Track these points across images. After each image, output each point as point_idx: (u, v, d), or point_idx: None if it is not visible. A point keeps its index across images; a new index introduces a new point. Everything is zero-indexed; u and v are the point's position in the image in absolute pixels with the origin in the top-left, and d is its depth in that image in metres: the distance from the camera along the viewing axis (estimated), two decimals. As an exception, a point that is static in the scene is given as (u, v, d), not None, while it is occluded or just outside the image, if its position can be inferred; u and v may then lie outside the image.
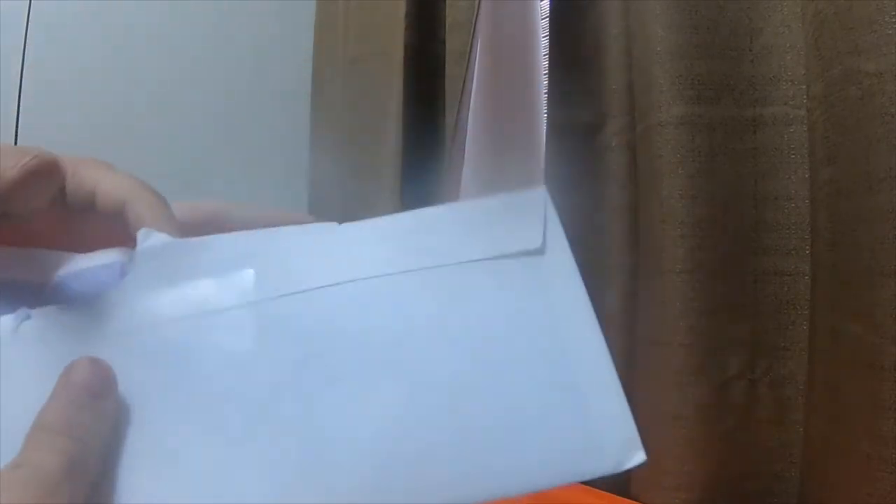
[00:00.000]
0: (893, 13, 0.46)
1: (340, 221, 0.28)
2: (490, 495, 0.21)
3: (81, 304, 0.25)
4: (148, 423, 0.23)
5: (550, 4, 0.78)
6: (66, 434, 0.20)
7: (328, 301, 0.25)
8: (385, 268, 0.25)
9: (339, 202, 1.02)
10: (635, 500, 0.63)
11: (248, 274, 0.25)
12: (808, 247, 0.58)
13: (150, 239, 0.25)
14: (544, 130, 0.82)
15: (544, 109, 0.83)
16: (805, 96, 0.58)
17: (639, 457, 0.23)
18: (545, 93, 0.83)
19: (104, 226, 0.27)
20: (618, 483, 0.69)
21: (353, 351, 0.24)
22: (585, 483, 0.77)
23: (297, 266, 0.25)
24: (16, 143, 0.98)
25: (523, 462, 0.22)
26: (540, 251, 0.26)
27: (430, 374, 0.23)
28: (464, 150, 0.79)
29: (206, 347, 0.24)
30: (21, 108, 0.98)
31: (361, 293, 0.25)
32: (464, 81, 0.78)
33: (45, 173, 0.25)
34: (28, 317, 0.25)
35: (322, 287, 0.25)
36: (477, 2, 0.79)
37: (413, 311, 0.25)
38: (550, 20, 0.78)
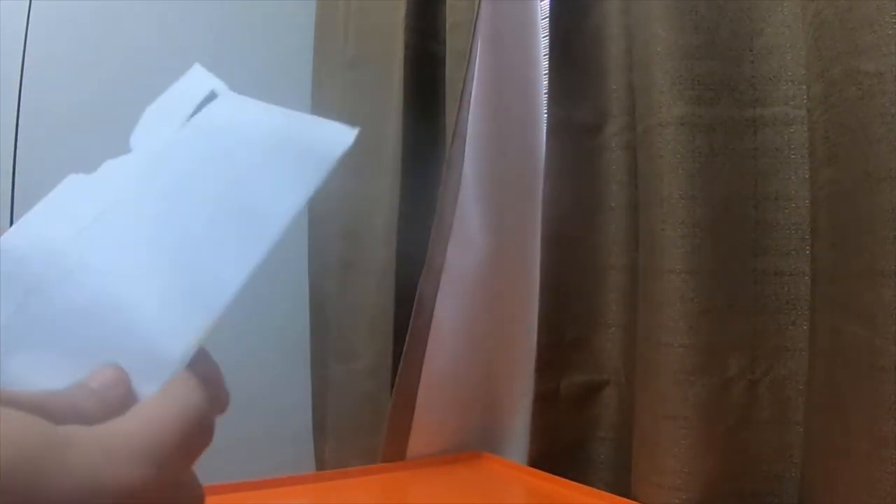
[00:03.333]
0: (893, 13, 0.46)
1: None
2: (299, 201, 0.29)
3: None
4: None
5: (550, 4, 0.78)
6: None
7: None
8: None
9: (339, 202, 1.02)
10: (635, 500, 0.63)
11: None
12: (808, 247, 0.58)
13: None
14: (544, 130, 0.82)
15: (544, 109, 0.83)
16: (805, 96, 0.58)
17: (352, 134, 0.30)
18: (545, 93, 0.83)
19: None
20: (618, 483, 0.69)
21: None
22: (586, 484, 0.76)
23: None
24: (15, 144, 0.97)
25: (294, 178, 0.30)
26: None
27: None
28: (464, 150, 0.79)
29: None
30: (21, 108, 0.98)
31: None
32: (464, 81, 0.78)
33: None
34: None
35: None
36: (477, 2, 0.79)
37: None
38: (550, 20, 0.78)
